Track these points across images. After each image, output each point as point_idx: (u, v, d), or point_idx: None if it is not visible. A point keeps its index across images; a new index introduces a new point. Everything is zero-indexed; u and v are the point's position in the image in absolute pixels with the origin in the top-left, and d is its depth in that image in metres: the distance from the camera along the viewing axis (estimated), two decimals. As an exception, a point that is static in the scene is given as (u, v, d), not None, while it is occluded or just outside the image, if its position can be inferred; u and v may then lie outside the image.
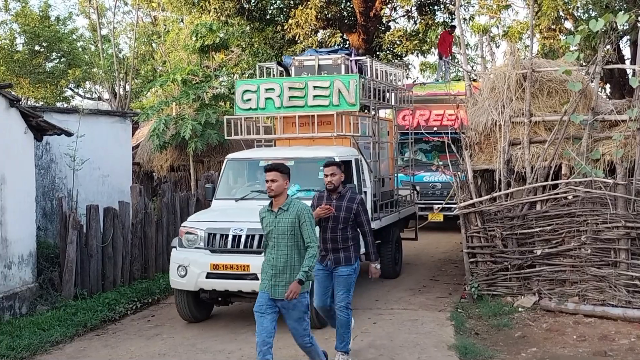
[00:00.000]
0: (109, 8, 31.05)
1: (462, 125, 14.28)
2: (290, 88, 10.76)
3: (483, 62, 12.62)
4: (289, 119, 11.10)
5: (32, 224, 9.93)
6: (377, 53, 22.61)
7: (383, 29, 22.54)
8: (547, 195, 9.24)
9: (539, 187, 9.34)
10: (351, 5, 22.02)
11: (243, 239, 8.45)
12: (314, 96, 10.62)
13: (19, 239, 9.48)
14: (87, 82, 31.06)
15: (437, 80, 19.58)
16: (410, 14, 22.66)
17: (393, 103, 12.96)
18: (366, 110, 11.81)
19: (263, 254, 6.68)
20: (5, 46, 25.49)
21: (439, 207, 15.06)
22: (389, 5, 22.09)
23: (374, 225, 10.00)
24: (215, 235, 8.63)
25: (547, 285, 9.23)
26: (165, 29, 27.60)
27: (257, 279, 7.19)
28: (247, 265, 8.21)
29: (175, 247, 8.96)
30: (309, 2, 20.49)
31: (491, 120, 9.75)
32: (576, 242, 8.99)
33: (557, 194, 9.19)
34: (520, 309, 9.02)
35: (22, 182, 9.78)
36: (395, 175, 13.01)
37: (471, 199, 9.62)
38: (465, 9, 21.71)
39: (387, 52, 23.00)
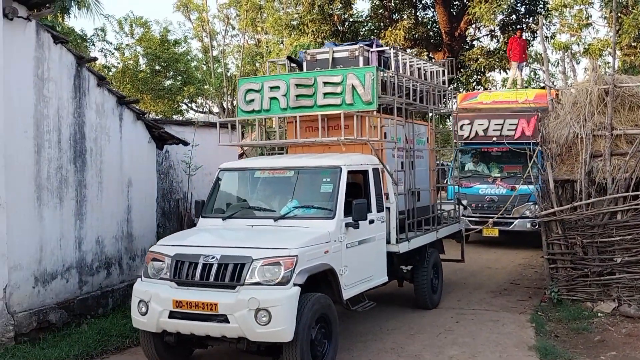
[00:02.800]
0: (219, 32, 32.07)
1: (523, 136, 13.69)
2: (297, 85, 8.41)
3: (564, 77, 12.18)
4: (301, 122, 8.59)
5: (153, 221, 10.37)
6: (461, 70, 22.29)
7: (467, 47, 22.21)
8: (628, 206, 8.83)
9: (620, 198, 8.94)
10: (437, 27, 21.84)
11: (214, 270, 6.18)
12: (324, 94, 8.25)
13: (141, 234, 9.92)
14: (199, 97, 32.13)
15: (509, 88, 17.99)
16: (493, 33, 22.23)
17: (431, 105, 9.97)
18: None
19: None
20: (131, 66, 26.70)
21: (492, 221, 13.28)
22: (473, 26, 21.75)
23: (400, 248, 8.21)
24: (183, 263, 6.35)
25: (627, 292, 8.80)
26: (267, 50, 28.19)
27: (227, 322, 5.97)
28: (215, 304, 6.00)
29: (140, 276, 6.80)
30: (397, 24, 20.50)
31: (573, 133, 9.40)
32: (657, 251, 8.55)
33: (638, 204, 8.77)
34: (599, 314, 8.63)
35: (146, 185, 10.23)
36: (433, 188, 10.40)
37: (552, 207, 9.31)
38: (547, 28, 21.10)
39: (468, 68, 22.66)
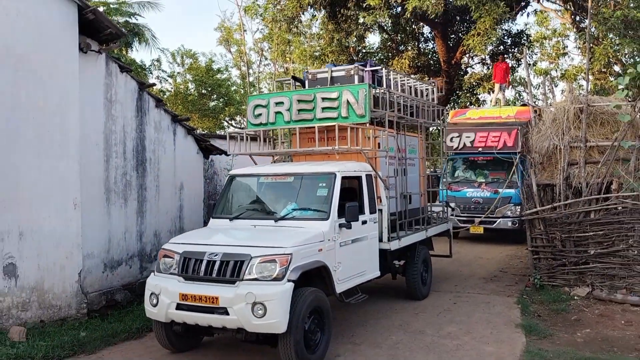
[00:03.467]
0: (255, 62, 32.27)
1: (505, 147, 13.40)
2: (299, 101, 8.01)
3: (545, 98, 12.08)
4: (304, 134, 8.13)
5: (200, 218, 10.43)
6: (458, 92, 22.16)
7: (462, 73, 22.08)
8: (600, 206, 8.73)
9: (593, 200, 8.83)
10: (437, 56, 21.72)
11: (217, 266, 5.81)
12: (323, 108, 7.85)
13: (191, 229, 9.92)
14: (238, 116, 32.31)
15: (494, 105, 17.32)
16: (484, 61, 22.09)
17: (421, 119, 9.33)
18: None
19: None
20: (182, 90, 26.94)
21: (479, 220, 13.15)
22: (467, 55, 21.63)
23: (391, 245, 7.73)
24: (190, 260, 5.99)
25: (599, 279, 8.67)
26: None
27: (227, 314, 5.58)
28: (216, 298, 5.62)
29: (153, 271, 6.41)
30: (403, 54, 20.47)
31: (552, 145, 9.34)
32: (624, 244, 8.42)
33: (609, 205, 8.65)
34: (575, 298, 8.52)
35: (195, 188, 10.32)
36: (423, 192, 9.53)
37: (535, 207, 9.21)
38: (530, 57, 20.89)
39: (466, 91, 22.51)
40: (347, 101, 7.66)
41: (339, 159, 7.66)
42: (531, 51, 21.42)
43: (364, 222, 7.12)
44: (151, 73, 25.79)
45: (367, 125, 7.78)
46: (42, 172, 7.08)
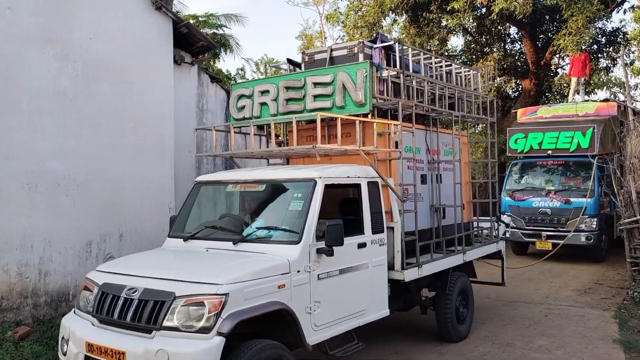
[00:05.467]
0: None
1: (579, 148, 11.92)
2: (287, 89, 6.36)
3: (645, 99, 11.31)
4: (303, 131, 6.57)
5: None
6: (547, 94, 21.25)
7: (552, 74, 21.15)
8: None
9: (702, 208, 8.17)
10: (524, 57, 20.95)
11: (133, 306, 4.20)
12: (314, 97, 6.14)
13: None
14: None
15: (570, 102, 15.37)
16: (576, 61, 20.99)
17: (460, 113, 7.35)
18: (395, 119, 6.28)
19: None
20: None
21: (547, 235, 11.79)
22: (557, 55, 20.68)
23: (405, 275, 5.86)
24: (107, 295, 4.40)
25: None
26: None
27: None
28: (123, 353, 4.04)
29: (74, 308, 4.89)
30: (488, 56, 19.91)
31: (654, 149, 8.74)
32: None
33: None
34: (682, 314, 7.92)
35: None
36: (466, 204, 7.61)
37: (635, 216, 8.65)
38: (627, 56, 19.64)
39: (556, 93, 21.53)
40: (343, 86, 5.96)
41: (334, 161, 6.03)
42: (628, 50, 20.09)
43: (362, 245, 5.41)
44: (236, 82, 26.74)
45: (371, 117, 5.92)
46: (140, 177, 7.56)
